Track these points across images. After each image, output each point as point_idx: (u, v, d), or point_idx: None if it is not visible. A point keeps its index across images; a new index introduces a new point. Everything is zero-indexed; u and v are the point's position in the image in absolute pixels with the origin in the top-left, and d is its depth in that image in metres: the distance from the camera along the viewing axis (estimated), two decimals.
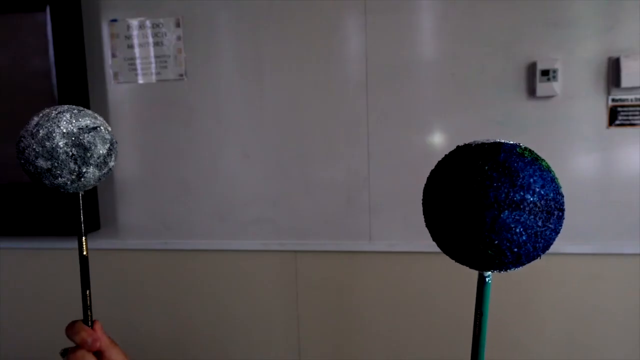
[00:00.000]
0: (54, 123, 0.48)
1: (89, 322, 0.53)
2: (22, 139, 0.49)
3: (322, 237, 1.80)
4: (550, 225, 0.35)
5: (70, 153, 0.47)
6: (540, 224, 0.35)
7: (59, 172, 0.48)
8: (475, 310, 0.39)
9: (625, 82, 1.53)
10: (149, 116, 1.86)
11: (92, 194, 1.91)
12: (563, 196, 0.36)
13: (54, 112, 0.49)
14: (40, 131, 0.47)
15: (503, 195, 0.34)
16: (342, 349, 1.87)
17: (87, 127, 0.49)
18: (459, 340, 1.79)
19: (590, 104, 1.60)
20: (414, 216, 1.75)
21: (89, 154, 0.48)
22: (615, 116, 1.59)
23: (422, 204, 0.39)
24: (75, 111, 0.50)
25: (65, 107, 0.50)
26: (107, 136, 0.51)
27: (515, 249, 0.35)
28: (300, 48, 1.75)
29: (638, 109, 1.58)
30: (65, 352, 0.53)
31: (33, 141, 0.48)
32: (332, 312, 1.85)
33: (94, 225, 1.91)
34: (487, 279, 0.39)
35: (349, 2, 1.70)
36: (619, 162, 1.62)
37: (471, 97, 1.67)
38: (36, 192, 1.87)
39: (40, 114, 0.49)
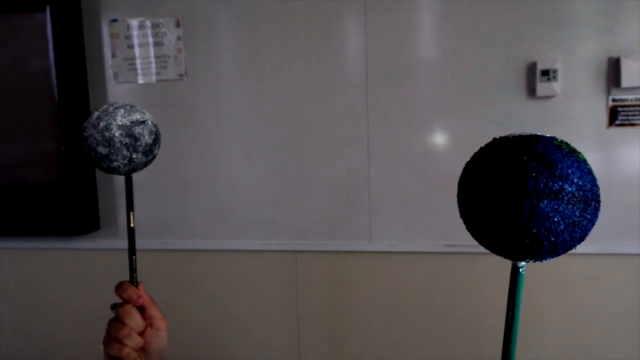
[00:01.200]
0: (112, 117, 0.57)
1: (135, 283, 0.62)
2: (85, 129, 0.57)
3: (322, 237, 1.80)
4: (587, 216, 0.36)
5: (124, 142, 0.57)
6: (577, 214, 0.35)
7: (114, 157, 0.57)
8: (507, 300, 0.39)
9: (625, 82, 1.53)
10: None
11: (92, 194, 1.91)
12: (599, 188, 0.37)
13: (111, 107, 0.58)
14: (101, 123, 0.56)
15: (542, 185, 0.34)
16: (342, 349, 1.87)
17: (137, 120, 0.58)
18: (459, 340, 1.79)
19: (590, 104, 1.61)
20: (414, 216, 1.75)
21: (138, 143, 0.58)
22: (615, 116, 1.59)
23: (457, 195, 0.39)
24: (128, 107, 0.59)
25: (120, 103, 0.59)
26: (153, 129, 0.61)
27: (553, 238, 0.35)
28: (300, 48, 1.75)
29: (638, 109, 1.58)
30: (114, 306, 0.62)
31: (95, 131, 0.56)
32: (332, 312, 1.86)
33: (94, 225, 1.91)
34: (520, 270, 0.39)
35: (349, 2, 1.70)
36: (619, 162, 1.62)
37: (471, 97, 1.67)
38: (36, 192, 1.87)
39: (101, 109, 0.58)
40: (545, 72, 1.58)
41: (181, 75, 1.82)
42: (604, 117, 1.60)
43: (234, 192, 1.85)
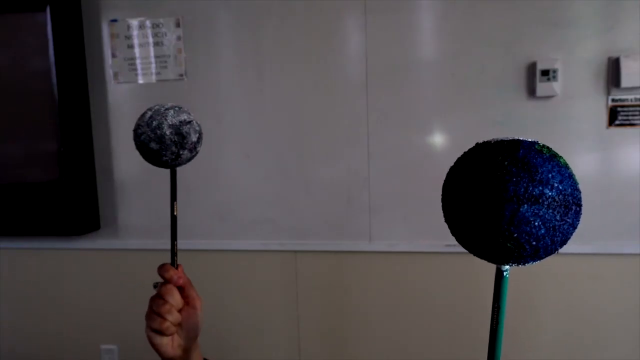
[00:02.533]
0: (163, 116, 0.62)
1: (175, 265, 0.69)
2: (139, 127, 0.63)
3: (322, 237, 1.81)
4: (568, 220, 0.36)
5: (173, 139, 0.62)
6: (558, 218, 0.35)
7: (164, 152, 0.63)
8: (492, 304, 0.40)
9: (625, 82, 1.53)
10: None
11: (92, 194, 1.91)
12: (580, 192, 0.37)
13: (162, 108, 0.63)
14: (154, 122, 0.62)
15: (522, 190, 0.35)
16: (342, 349, 1.87)
17: (185, 120, 0.63)
18: (459, 339, 1.79)
19: (590, 104, 1.61)
20: (414, 216, 1.75)
21: (185, 141, 0.63)
22: (615, 116, 1.59)
23: (442, 199, 0.40)
24: (177, 108, 0.64)
25: (169, 104, 0.64)
26: (197, 128, 0.66)
27: (534, 242, 0.35)
28: (300, 48, 1.75)
29: (638, 109, 1.58)
30: (156, 285, 0.68)
31: (148, 129, 0.62)
32: (332, 312, 1.86)
33: (94, 225, 1.91)
34: (504, 273, 0.39)
35: (349, 2, 1.70)
36: (619, 162, 1.62)
37: (471, 97, 1.67)
38: (36, 192, 1.87)
39: (153, 110, 0.63)
40: (545, 72, 1.58)
41: (181, 75, 1.82)
42: (603, 117, 1.60)
43: (234, 192, 1.85)
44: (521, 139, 0.37)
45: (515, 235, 0.35)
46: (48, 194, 1.85)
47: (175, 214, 0.69)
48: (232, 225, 1.86)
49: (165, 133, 0.62)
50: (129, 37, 1.84)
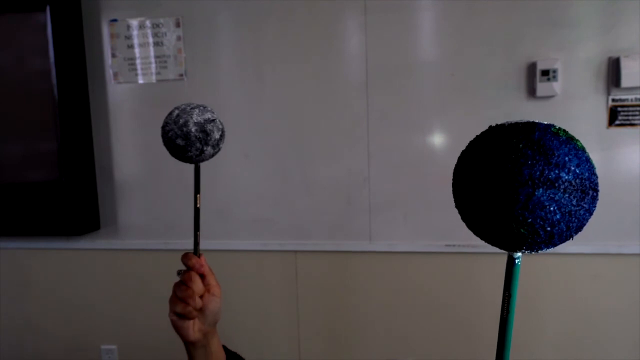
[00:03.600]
0: (189, 115, 0.66)
1: (197, 254, 0.74)
2: (167, 124, 0.67)
3: (322, 237, 1.81)
4: (584, 205, 0.35)
5: (198, 136, 0.66)
6: (574, 203, 0.34)
7: (189, 149, 0.67)
8: (503, 292, 0.38)
9: (625, 82, 1.53)
10: (149, 116, 1.86)
11: (92, 194, 1.91)
12: (597, 177, 0.36)
13: (188, 107, 0.67)
14: (180, 120, 0.66)
15: (538, 173, 0.33)
16: (342, 349, 1.87)
17: (209, 119, 0.68)
18: (459, 339, 1.79)
19: (590, 104, 1.61)
20: (414, 216, 1.75)
21: (209, 138, 0.67)
22: (615, 116, 1.59)
23: (452, 184, 0.39)
24: (202, 107, 0.68)
25: (194, 104, 0.68)
26: (220, 126, 0.70)
27: (549, 228, 0.34)
28: (300, 48, 1.75)
29: (638, 109, 1.58)
30: (180, 273, 0.74)
31: (175, 127, 0.66)
32: (332, 311, 1.86)
33: (94, 225, 1.91)
34: (516, 261, 0.38)
35: (349, 2, 1.70)
36: (619, 162, 1.62)
37: (471, 97, 1.67)
38: (36, 192, 1.87)
39: (180, 108, 0.67)
40: (545, 72, 1.58)
41: (181, 75, 1.82)
42: (603, 117, 1.60)
43: (234, 192, 1.85)
44: (537, 121, 0.36)
45: (530, 220, 0.34)
46: (48, 194, 1.85)
47: (198, 206, 0.74)
48: (232, 225, 1.86)
49: (190, 130, 0.66)
50: (129, 37, 1.84)
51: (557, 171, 0.34)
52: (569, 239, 0.36)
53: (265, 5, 1.74)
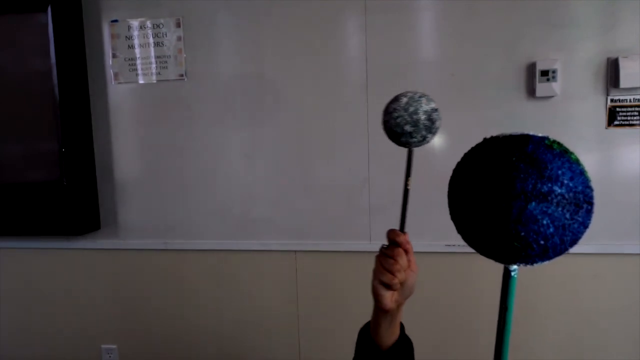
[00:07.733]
0: (419, 103, 0.69)
1: (403, 231, 0.78)
2: (395, 110, 0.70)
3: (322, 237, 1.81)
4: (578, 219, 0.35)
5: (425, 124, 0.70)
6: (568, 216, 0.34)
7: (415, 134, 0.70)
8: (500, 304, 0.38)
9: (624, 82, 1.54)
10: (149, 116, 1.86)
11: (92, 194, 1.91)
12: (592, 190, 0.35)
13: (416, 95, 0.69)
14: (410, 108, 0.69)
15: (530, 186, 0.33)
16: (342, 349, 1.87)
17: (434, 108, 0.70)
18: (459, 339, 1.79)
19: (590, 104, 1.61)
20: (413, 216, 1.74)
21: (434, 125, 0.70)
22: (614, 116, 1.60)
23: (448, 196, 0.38)
24: (428, 97, 0.70)
25: (420, 92, 0.70)
26: (440, 116, 0.72)
27: (542, 241, 0.34)
28: (300, 48, 1.75)
29: (637, 109, 1.58)
30: (384, 247, 0.78)
31: (405, 113, 0.69)
32: (332, 311, 1.86)
33: (94, 225, 1.92)
34: (512, 273, 0.38)
35: (349, 2, 1.70)
36: (618, 162, 1.62)
37: (471, 97, 1.67)
38: (37, 192, 1.87)
39: (408, 96, 0.69)
40: (544, 73, 1.58)
41: (181, 75, 1.82)
42: (603, 117, 1.60)
43: (234, 192, 1.85)
44: (531, 134, 0.35)
45: (523, 234, 0.33)
46: (48, 194, 1.85)
47: (408, 187, 0.80)
48: (232, 225, 1.86)
49: (420, 118, 0.69)
50: (129, 38, 1.84)
51: (549, 184, 0.33)
52: (564, 253, 0.36)
53: (265, 5, 1.75)
